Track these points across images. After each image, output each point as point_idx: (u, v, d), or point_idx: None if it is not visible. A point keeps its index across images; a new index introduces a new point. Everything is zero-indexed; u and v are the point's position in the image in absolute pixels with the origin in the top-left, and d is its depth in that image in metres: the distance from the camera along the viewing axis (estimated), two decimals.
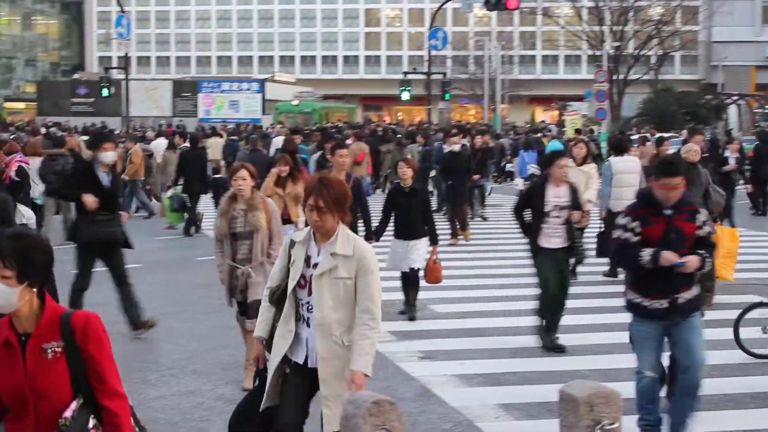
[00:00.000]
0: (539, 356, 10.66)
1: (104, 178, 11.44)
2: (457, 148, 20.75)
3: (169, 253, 18.91)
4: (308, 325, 5.87)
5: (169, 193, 22.27)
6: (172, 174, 23.44)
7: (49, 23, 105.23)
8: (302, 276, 5.86)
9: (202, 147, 24.31)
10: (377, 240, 12.17)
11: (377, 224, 12.61)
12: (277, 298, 6.03)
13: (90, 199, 11.26)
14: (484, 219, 24.10)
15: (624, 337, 11.26)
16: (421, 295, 13.85)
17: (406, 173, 12.57)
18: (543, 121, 74.13)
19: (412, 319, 12.43)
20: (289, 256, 5.99)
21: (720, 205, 13.87)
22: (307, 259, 5.87)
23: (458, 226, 19.83)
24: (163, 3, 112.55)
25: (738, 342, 10.20)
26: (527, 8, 65.27)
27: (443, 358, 10.57)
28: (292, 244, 6.00)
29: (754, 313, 10.46)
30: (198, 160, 21.48)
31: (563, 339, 11.06)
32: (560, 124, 59.50)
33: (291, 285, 5.89)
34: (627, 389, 7.93)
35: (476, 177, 22.85)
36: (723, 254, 12.84)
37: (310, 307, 5.86)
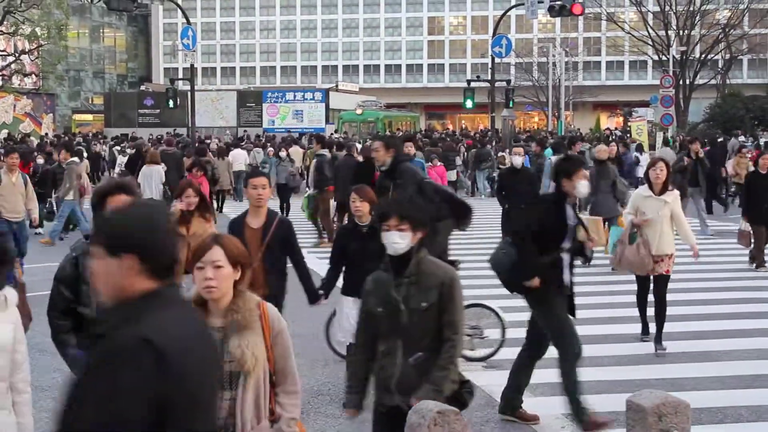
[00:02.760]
0: (605, 365, 10.54)
1: (571, 217, 8.55)
2: (517, 162, 16.74)
3: None
4: None
5: (308, 192, 22.94)
6: None
7: (117, 36, 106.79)
8: None
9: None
10: (326, 297, 9.27)
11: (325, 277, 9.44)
12: None
13: (535, 282, 8.46)
14: None
15: (693, 346, 11.16)
16: (485, 302, 13.82)
17: (361, 208, 8.92)
18: (608, 129, 73.56)
19: None
20: None
21: (624, 195, 17.03)
22: None
23: None
24: (228, 14, 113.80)
25: None
26: (592, 14, 64.89)
27: (508, 367, 10.48)
28: None
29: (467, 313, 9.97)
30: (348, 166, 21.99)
31: (629, 348, 10.95)
32: (625, 130, 59.02)
33: None
34: (695, 398, 7.81)
35: None
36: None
37: None
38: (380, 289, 5.62)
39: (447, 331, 5.52)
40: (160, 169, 22.46)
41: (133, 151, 32.22)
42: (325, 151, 23.11)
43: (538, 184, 17.10)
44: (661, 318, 10.94)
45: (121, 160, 34.14)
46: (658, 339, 10.94)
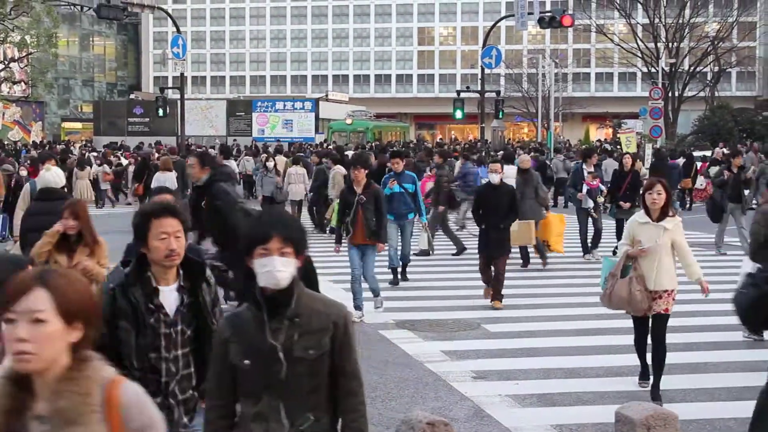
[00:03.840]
0: (594, 376, 10.55)
1: None
2: (496, 179, 15.18)
3: None
4: None
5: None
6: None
7: (107, 44, 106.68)
8: None
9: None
10: None
11: None
12: None
13: None
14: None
15: (682, 358, 11.17)
16: (474, 314, 13.89)
17: None
18: (599, 140, 73.70)
19: None
20: None
21: (545, 200, 18.79)
22: None
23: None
24: (218, 24, 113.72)
25: None
26: (581, 26, 65.07)
27: (497, 378, 10.50)
28: None
29: None
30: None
31: (617, 359, 10.94)
32: (615, 141, 59.15)
33: None
34: (684, 410, 7.83)
35: (627, 205, 18.80)
36: (555, 234, 18.38)
37: None
38: (245, 334, 4.28)
39: (349, 381, 4.34)
40: (172, 176, 23.24)
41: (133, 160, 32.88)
42: (231, 162, 23.26)
43: (518, 202, 15.62)
44: (660, 363, 9.64)
45: (96, 169, 34.08)
46: (656, 390, 9.64)
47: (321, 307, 4.32)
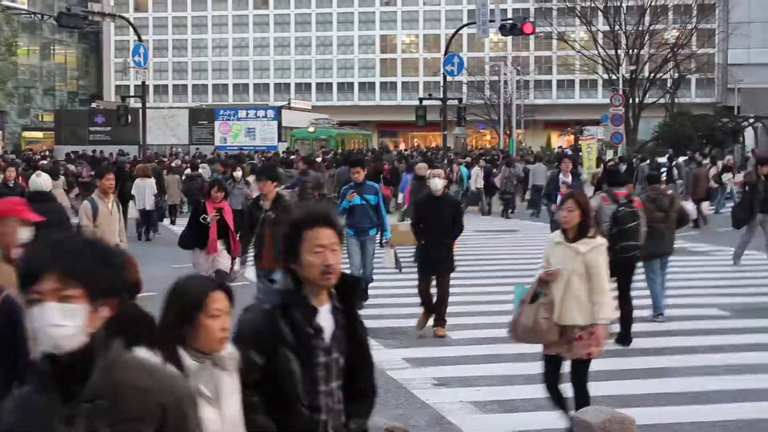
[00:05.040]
0: None
1: None
2: (438, 186, 13.09)
3: None
4: None
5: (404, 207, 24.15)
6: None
7: (68, 53, 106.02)
8: None
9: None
10: None
11: None
12: None
13: None
14: None
15: (640, 362, 11.27)
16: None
17: None
18: (560, 147, 74.15)
19: None
20: None
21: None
22: None
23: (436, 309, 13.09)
24: (180, 32, 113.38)
25: None
26: (543, 33, 65.50)
27: (457, 385, 10.54)
28: None
29: None
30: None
31: None
32: (576, 148, 59.58)
33: None
34: (641, 415, 7.89)
35: None
36: None
37: None
38: (32, 423, 2.80)
39: None
40: (152, 182, 24.50)
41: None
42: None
43: (462, 215, 13.89)
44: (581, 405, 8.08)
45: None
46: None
47: (146, 381, 2.86)
